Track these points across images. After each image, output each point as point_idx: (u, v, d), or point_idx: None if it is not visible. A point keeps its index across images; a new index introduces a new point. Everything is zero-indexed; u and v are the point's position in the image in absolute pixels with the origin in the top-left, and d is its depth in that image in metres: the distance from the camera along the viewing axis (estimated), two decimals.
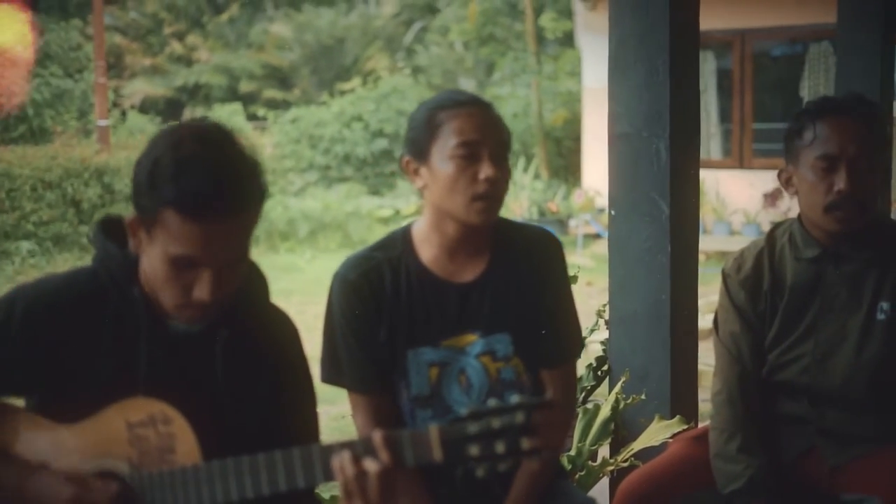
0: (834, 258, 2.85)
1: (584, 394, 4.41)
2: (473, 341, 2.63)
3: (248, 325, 2.20)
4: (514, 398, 1.92)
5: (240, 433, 2.13)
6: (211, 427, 2.07)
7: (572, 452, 3.79)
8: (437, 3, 25.02)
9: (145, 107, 22.47)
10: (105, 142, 15.10)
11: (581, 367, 4.55)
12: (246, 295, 2.19)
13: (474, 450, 1.90)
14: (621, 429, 4.02)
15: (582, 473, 3.70)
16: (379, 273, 2.61)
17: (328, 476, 1.98)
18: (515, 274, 2.64)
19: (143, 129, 18.13)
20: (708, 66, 13.98)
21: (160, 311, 2.12)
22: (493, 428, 1.90)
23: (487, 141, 2.52)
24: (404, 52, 25.01)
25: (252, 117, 20.71)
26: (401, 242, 2.65)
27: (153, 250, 2.03)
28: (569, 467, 3.76)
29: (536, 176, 16.58)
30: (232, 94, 23.27)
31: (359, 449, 1.97)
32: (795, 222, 2.92)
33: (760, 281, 2.93)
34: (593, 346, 4.67)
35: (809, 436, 2.90)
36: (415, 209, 15.85)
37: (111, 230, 2.15)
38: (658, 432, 3.68)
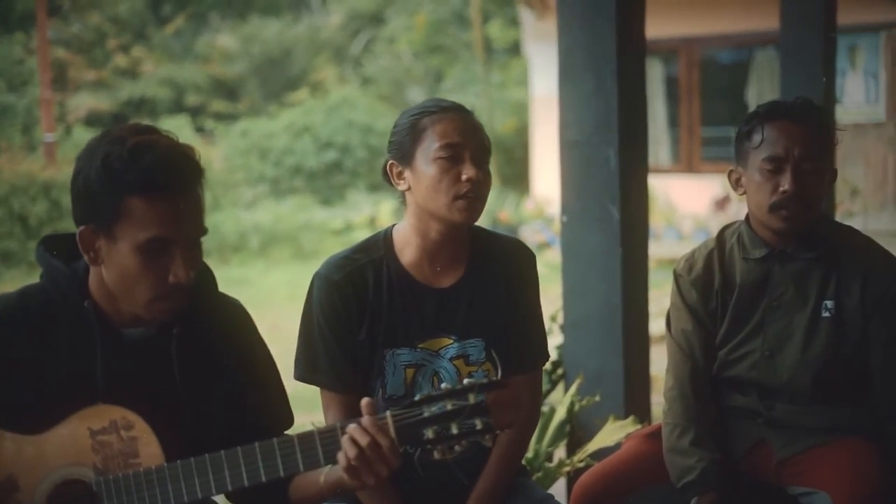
0: (780, 258, 2.94)
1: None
2: (448, 345, 2.72)
3: (200, 319, 2.26)
4: (467, 380, 2.01)
5: (204, 430, 2.20)
6: (173, 428, 2.13)
7: (529, 454, 3.85)
8: (384, 14, 25.03)
9: (91, 121, 22.26)
10: (51, 157, 14.99)
11: None
12: (195, 289, 2.24)
13: (429, 432, 1.98)
14: (577, 430, 4.09)
15: (539, 475, 3.77)
16: (362, 275, 2.69)
17: (289, 468, 2.05)
18: (491, 282, 2.75)
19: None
20: (655, 74, 14.10)
21: (113, 321, 2.19)
22: (447, 410, 1.99)
23: (469, 144, 2.62)
24: (352, 62, 24.99)
25: (200, 130, 20.62)
26: (382, 245, 2.75)
27: (118, 251, 2.09)
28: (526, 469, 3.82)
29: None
30: (178, 107, 23.10)
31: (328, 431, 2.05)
32: (744, 224, 3.01)
33: (711, 280, 3.01)
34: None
35: (758, 429, 2.98)
36: (366, 219, 15.87)
37: (55, 247, 2.23)
38: (612, 433, 3.76)
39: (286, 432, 2.34)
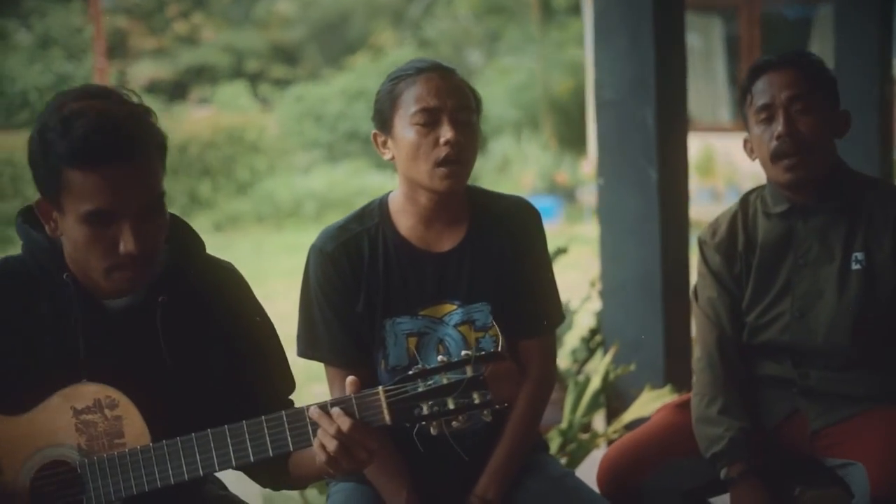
0: (802, 213, 2.86)
1: (577, 366, 4.39)
2: (452, 311, 2.62)
3: (187, 285, 2.18)
4: (464, 352, 1.94)
5: (195, 403, 2.13)
6: (160, 403, 2.07)
7: (563, 426, 3.78)
8: None
9: (152, 88, 22.40)
10: None
11: (575, 339, 4.53)
12: (180, 255, 2.17)
13: (424, 408, 1.92)
14: (613, 400, 4.00)
15: (573, 446, 3.68)
16: (357, 244, 2.61)
17: (278, 447, 2.00)
18: (494, 243, 2.65)
19: None
20: (715, 31, 13.91)
21: (93, 292, 2.10)
22: (443, 384, 1.92)
23: (447, 105, 2.52)
24: (411, 25, 24.88)
25: (257, 96, 20.65)
26: (378, 213, 2.65)
27: (68, 223, 2.02)
28: (560, 440, 3.74)
29: (544, 147, 16.49)
30: (238, 74, 23.16)
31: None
32: (767, 184, 2.94)
33: (735, 243, 2.94)
34: (587, 318, 4.64)
35: (792, 398, 2.89)
36: None
37: (35, 218, 2.14)
38: (648, 403, 3.67)
39: (290, 397, 2.31)
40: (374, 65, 19.61)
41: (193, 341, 2.17)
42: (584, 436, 3.72)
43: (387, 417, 1.95)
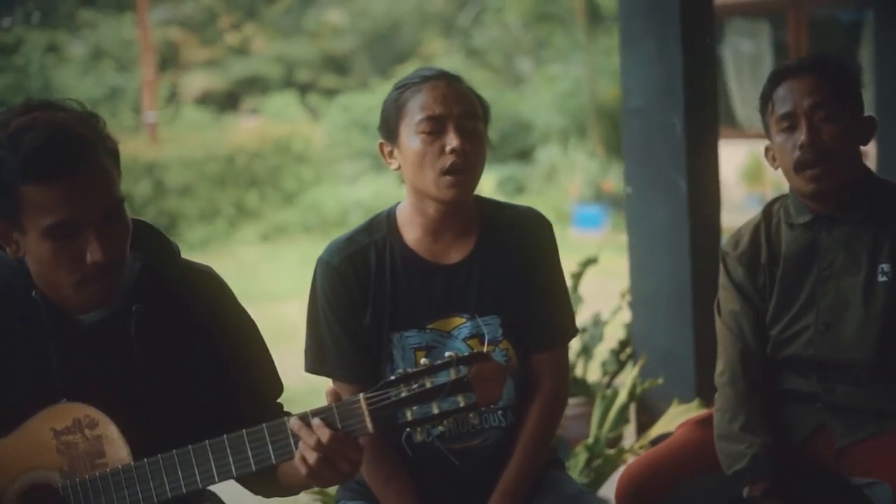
0: (826, 223, 2.77)
1: (607, 378, 4.31)
2: (461, 324, 2.57)
3: (163, 292, 2.13)
4: (447, 354, 1.89)
5: (176, 414, 2.09)
6: (140, 418, 2.02)
7: (590, 441, 3.69)
8: None
9: (204, 100, 22.57)
10: (153, 136, 15.19)
11: (605, 352, 4.45)
12: (153, 262, 2.13)
13: (408, 414, 1.87)
14: (642, 414, 3.92)
15: (598, 462, 3.60)
16: (363, 256, 2.57)
17: (261, 461, 1.95)
18: (504, 254, 2.60)
19: (198, 123, 18.18)
20: (763, 36, 13.73)
21: (65, 308, 2.06)
22: (426, 388, 1.87)
23: (452, 113, 2.49)
24: (461, 34, 24.87)
25: (305, 106, 20.71)
26: (385, 224, 2.61)
27: (30, 241, 1.98)
28: (586, 455, 3.66)
29: (591, 155, 16.38)
30: (289, 84, 23.28)
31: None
32: (790, 194, 2.85)
33: (758, 255, 2.85)
34: (618, 329, 4.56)
35: (818, 414, 2.80)
36: None
37: None
38: (676, 417, 3.59)
39: (278, 401, 2.26)
40: None
41: (172, 349, 2.12)
42: (611, 451, 3.63)
43: (369, 425, 1.90)
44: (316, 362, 2.61)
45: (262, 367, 2.25)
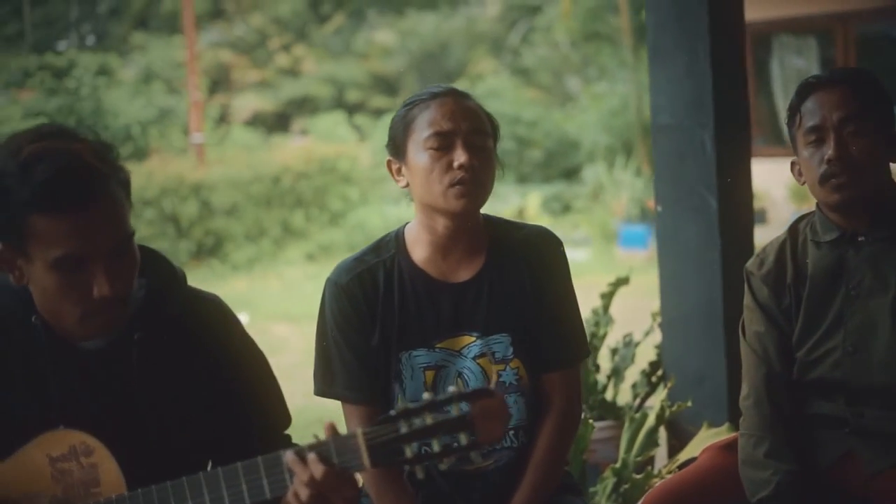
0: (854, 241, 2.68)
1: (637, 400, 4.23)
2: (471, 343, 2.56)
3: (166, 320, 2.08)
4: (450, 388, 1.83)
5: (177, 445, 2.05)
6: (138, 448, 1.99)
7: (618, 465, 3.61)
8: (541, 2, 24.82)
9: (255, 121, 22.72)
10: (201, 157, 15.28)
11: (636, 373, 4.36)
12: (157, 289, 2.08)
13: (408, 451, 1.80)
14: (672, 438, 3.83)
15: (626, 486, 3.52)
16: (372, 275, 2.56)
17: (255, 495, 1.89)
18: (514, 272, 2.59)
19: (248, 144, 18.28)
20: (811, 54, 13.59)
21: (65, 335, 2.02)
22: (427, 425, 1.80)
23: (460, 129, 2.49)
24: (510, 53, 24.87)
25: (353, 126, 20.77)
26: (394, 244, 2.61)
27: (36, 270, 1.93)
28: (614, 480, 3.58)
29: (637, 173, 16.25)
30: (339, 104, 23.38)
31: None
32: (816, 210, 2.76)
33: (783, 274, 2.76)
34: (649, 351, 4.47)
35: (846, 439, 2.71)
36: (514, 211, 15.66)
37: None
38: (706, 440, 3.51)
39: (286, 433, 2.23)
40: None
41: (174, 378, 2.08)
42: (639, 476, 3.54)
43: (366, 461, 1.83)
44: (325, 384, 2.59)
45: (268, 398, 2.21)
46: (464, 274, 2.58)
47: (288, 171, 15.20)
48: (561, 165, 18.27)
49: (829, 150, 2.59)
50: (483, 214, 2.63)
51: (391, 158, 2.60)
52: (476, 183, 2.48)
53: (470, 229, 2.56)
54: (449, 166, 2.46)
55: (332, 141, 17.96)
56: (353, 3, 26.07)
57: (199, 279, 13.20)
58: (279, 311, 11.20)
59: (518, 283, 2.58)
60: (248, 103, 23.77)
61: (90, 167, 1.91)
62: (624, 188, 15.06)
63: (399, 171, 2.57)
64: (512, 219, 2.75)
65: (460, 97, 2.55)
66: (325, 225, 15.35)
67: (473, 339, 2.56)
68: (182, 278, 2.16)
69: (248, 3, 25.13)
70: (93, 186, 1.90)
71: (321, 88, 24.32)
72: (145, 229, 13.63)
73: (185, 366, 2.09)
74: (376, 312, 2.55)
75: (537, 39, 23.88)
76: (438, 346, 2.55)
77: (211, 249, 14.28)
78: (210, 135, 17.65)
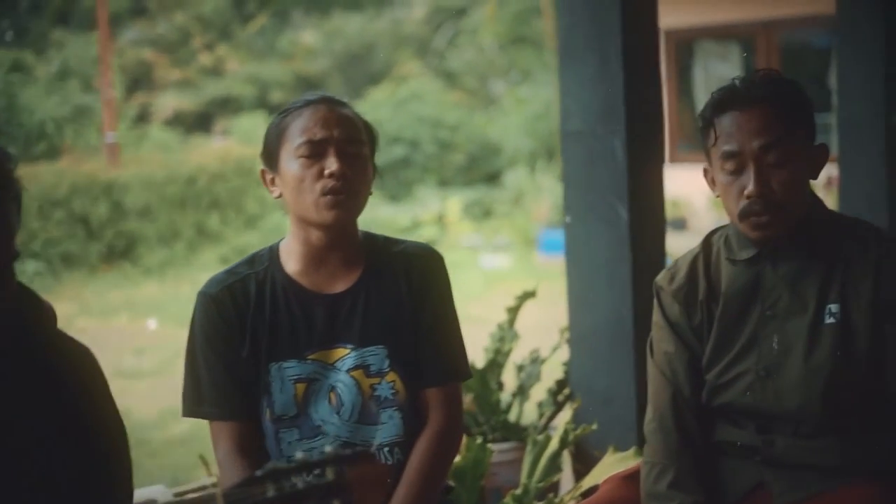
0: (771, 258, 2.51)
1: (543, 420, 4.03)
2: (345, 355, 2.52)
3: (27, 363, 1.86)
4: (326, 449, 1.64)
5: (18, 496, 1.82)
6: None
7: (518, 491, 3.40)
8: (465, 5, 24.75)
9: (176, 120, 22.38)
10: (114, 157, 14.93)
11: (542, 391, 4.17)
12: (23, 329, 1.87)
13: None
14: (577, 463, 3.64)
15: None
16: (244, 286, 2.53)
17: None
18: (391, 285, 2.57)
19: (165, 144, 17.98)
20: (734, 59, 13.61)
21: None
22: (297, 489, 1.61)
23: (333, 137, 2.46)
24: (436, 56, 24.76)
25: None
26: (268, 257, 2.58)
27: None
28: None
29: (559, 178, 16.17)
30: (262, 104, 23.13)
31: None
32: (731, 225, 2.57)
33: (695, 291, 2.60)
34: (556, 368, 4.28)
35: (756, 469, 2.56)
36: (434, 216, 15.50)
37: None
38: (611, 466, 3.30)
39: None
40: (386, 96, 19.43)
41: (19, 421, 1.84)
42: None
43: None
44: (193, 403, 2.52)
45: (122, 469, 1.97)
46: (339, 286, 2.54)
47: (203, 172, 14.96)
48: (483, 170, 18.23)
49: (749, 185, 2.40)
50: (363, 231, 2.59)
51: (265, 168, 2.54)
52: (349, 192, 2.44)
53: (346, 240, 2.53)
54: (320, 175, 2.42)
55: (254, 142, 17.65)
56: (277, 2, 25.85)
57: (110, 283, 13.01)
58: (190, 316, 10.89)
59: (395, 295, 2.54)
60: (169, 102, 23.44)
61: None
62: (545, 193, 15.02)
63: (273, 181, 2.52)
64: (391, 235, 2.70)
65: (335, 105, 2.51)
66: (240, 228, 15.15)
67: (348, 350, 2.51)
68: (52, 319, 1.97)
69: (171, 0, 24.77)
70: None
71: (244, 88, 24.10)
72: (54, 230, 13.28)
73: (33, 410, 1.86)
74: (246, 323, 2.50)
75: (463, 42, 23.83)
76: (311, 357, 2.50)
77: (122, 252, 13.99)
78: (126, 134, 17.37)
